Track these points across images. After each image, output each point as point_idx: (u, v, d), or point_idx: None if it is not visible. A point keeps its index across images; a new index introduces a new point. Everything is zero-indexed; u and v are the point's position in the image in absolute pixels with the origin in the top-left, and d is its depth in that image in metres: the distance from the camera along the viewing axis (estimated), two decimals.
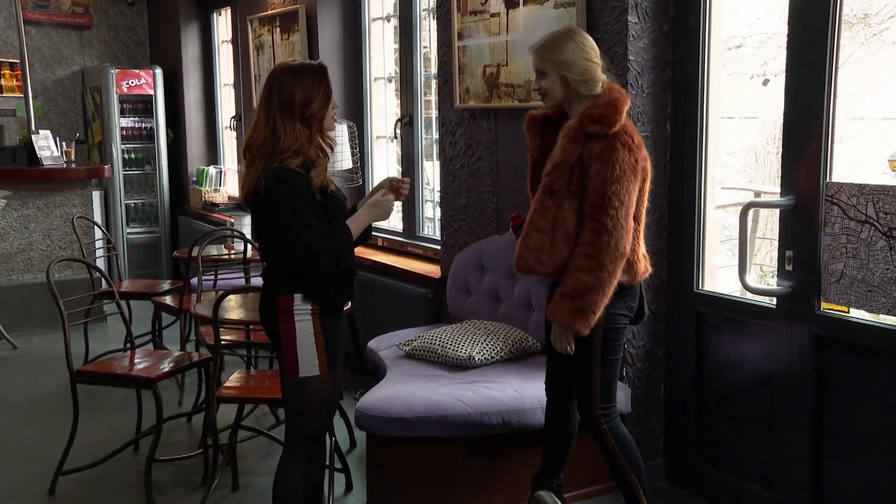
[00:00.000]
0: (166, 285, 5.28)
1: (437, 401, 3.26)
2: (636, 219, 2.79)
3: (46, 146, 6.40)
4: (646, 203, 2.83)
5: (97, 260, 6.01)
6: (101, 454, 3.73)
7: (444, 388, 3.37)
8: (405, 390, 3.37)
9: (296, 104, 2.60)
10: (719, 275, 3.72)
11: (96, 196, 7.39)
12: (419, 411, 3.22)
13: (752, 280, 3.16)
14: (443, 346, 3.69)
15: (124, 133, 7.80)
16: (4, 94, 7.99)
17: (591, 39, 2.82)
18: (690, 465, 3.55)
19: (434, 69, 4.80)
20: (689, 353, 3.51)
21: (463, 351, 3.61)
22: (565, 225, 2.74)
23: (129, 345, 3.95)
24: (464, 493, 3.30)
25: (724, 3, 3.40)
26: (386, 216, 2.89)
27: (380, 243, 5.58)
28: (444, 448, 3.27)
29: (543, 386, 3.37)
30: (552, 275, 2.81)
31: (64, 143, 6.86)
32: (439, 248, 4.72)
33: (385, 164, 5.71)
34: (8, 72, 7.99)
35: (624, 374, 3.51)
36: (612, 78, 2.88)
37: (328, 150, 2.71)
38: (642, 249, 2.89)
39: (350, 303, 3.01)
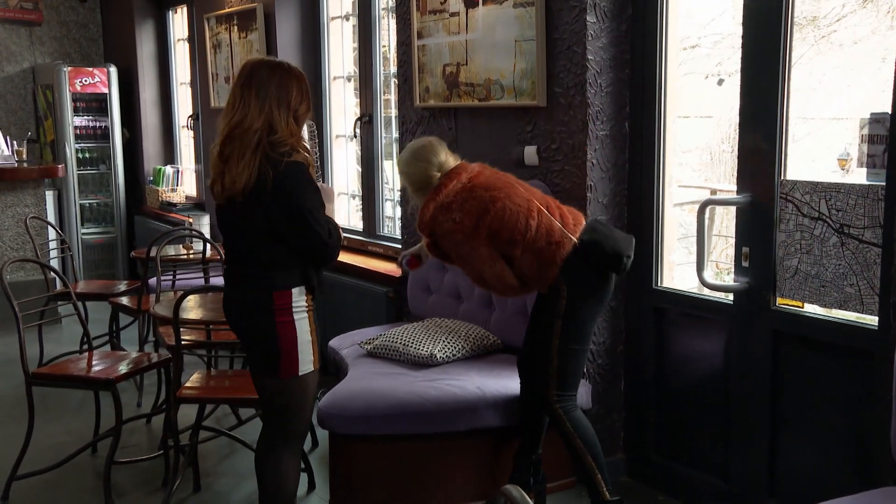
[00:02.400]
0: (123, 286, 5.21)
1: (399, 398, 3.26)
2: (511, 245, 3.00)
3: None
4: (511, 230, 2.99)
5: (52, 261, 5.90)
6: (57, 458, 3.66)
7: (407, 385, 3.37)
8: (367, 389, 3.36)
9: (292, 102, 2.62)
10: (677, 272, 3.78)
11: (50, 196, 7.25)
12: (381, 409, 3.23)
13: (709, 276, 3.21)
14: (404, 345, 3.69)
15: (78, 132, 7.67)
16: None
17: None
18: (650, 460, 3.60)
19: (393, 68, 4.81)
20: (648, 349, 3.56)
21: (424, 349, 3.62)
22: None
23: (85, 346, 3.89)
24: (428, 489, 3.31)
25: (680, 3, 3.46)
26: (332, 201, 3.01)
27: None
28: (407, 445, 3.28)
29: (505, 382, 3.40)
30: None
31: (15, 143, 6.73)
32: (399, 247, 4.72)
33: (345, 162, 5.69)
34: None
35: (585, 370, 3.54)
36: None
37: (311, 152, 2.76)
38: (555, 236, 3.00)
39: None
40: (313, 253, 2.69)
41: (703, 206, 3.20)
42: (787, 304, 3.07)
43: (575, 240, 2.99)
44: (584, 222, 3.09)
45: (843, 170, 5.08)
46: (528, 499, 1.42)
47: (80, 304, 4.18)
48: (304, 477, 3.58)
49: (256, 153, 2.57)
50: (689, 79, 5.37)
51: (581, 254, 2.99)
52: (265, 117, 2.58)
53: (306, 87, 2.71)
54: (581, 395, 3.48)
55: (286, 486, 2.79)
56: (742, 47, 3.11)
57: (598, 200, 3.49)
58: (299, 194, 2.59)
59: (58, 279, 4.16)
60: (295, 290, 2.66)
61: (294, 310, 2.66)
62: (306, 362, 2.70)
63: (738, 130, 3.15)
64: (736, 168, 3.19)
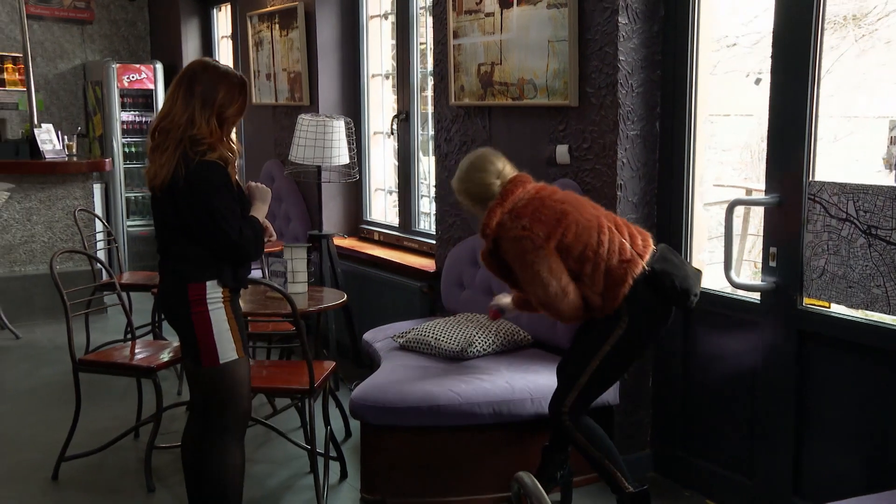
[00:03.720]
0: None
1: (429, 391, 3.35)
2: (581, 262, 2.94)
3: (48, 139, 6.48)
4: (584, 245, 2.94)
5: (98, 252, 6.10)
6: (102, 441, 3.81)
7: (437, 379, 3.45)
8: (399, 381, 3.45)
9: (216, 102, 2.73)
10: (711, 270, 3.80)
11: (97, 189, 7.47)
12: (412, 401, 3.31)
13: (736, 276, 3.24)
14: (436, 339, 3.77)
15: (125, 127, 7.87)
16: (7, 88, 8.06)
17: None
18: (677, 456, 3.64)
19: (431, 66, 4.88)
20: (676, 346, 3.59)
21: (456, 343, 3.70)
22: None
23: (129, 335, 4.04)
24: (457, 480, 3.39)
25: (718, 2, 3.47)
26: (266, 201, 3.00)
27: (376, 237, 5.67)
28: (436, 437, 3.36)
29: (533, 378, 3.47)
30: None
31: (66, 137, 6.94)
32: (434, 242, 4.80)
33: (382, 159, 5.79)
34: (10, 66, 8.07)
35: None
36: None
37: (237, 151, 2.84)
38: (626, 255, 2.95)
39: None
40: (222, 251, 2.76)
41: (732, 206, 3.22)
42: (814, 305, 3.09)
43: (644, 263, 2.93)
44: (653, 245, 3.02)
45: (886, 168, 5.05)
46: (539, 486, 1.50)
47: (124, 294, 4.33)
48: (336, 466, 3.69)
49: (177, 149, 2.70)
50: (731, 76, 5.37)
51: (650, 282, 2.92)
52: (188, 114, 2.71)
53: (239, 90, 2.79)
54: (608, 391, 3.54)
55: (233, 473, 2.86)
56: (772, 47, 3.13)
57: (628, 199, 3.54)
58: (206, 193, 2.69)
59: (104, 270, 4.31)
60: (209, 284, 2.76)
61: (208, 301, 2.75)
62: (227, 351, 2.78)
63: (767, 131, 3.18)
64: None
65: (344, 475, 3.68)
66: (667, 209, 3.58)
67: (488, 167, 3.10)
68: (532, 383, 3.42)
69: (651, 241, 3.03)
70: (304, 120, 4.92)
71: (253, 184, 2.98)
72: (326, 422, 3.63)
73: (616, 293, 2.92)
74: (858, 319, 2.96)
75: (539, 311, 3.08)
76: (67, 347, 3.62)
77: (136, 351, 3.82)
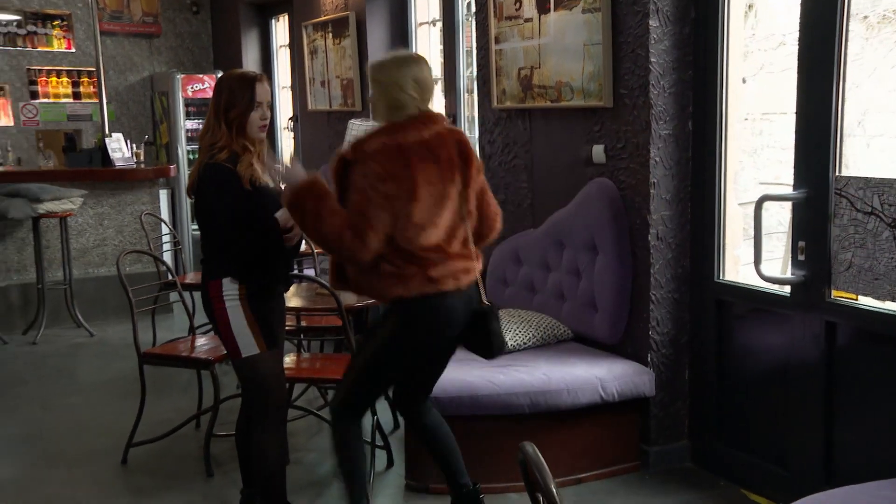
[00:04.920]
0: None
1: (469, 382, 3.51)
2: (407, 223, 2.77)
3: (118, 148, 6.83)
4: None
5: (164, 254, 6.42)
6: (166, 429, 4.07)
7: (477, 370, 3.61)
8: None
9: (222, 105, 2.96)
10: (749, 266, 3.86)
11: (164, 194, 7.83)
12: (452, 392, 3.48)
13: (766, 270, 3.32)
14: None
15: (189, 135, 8.22)
16: (83, 101, 8.51)
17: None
18: (713, 447, 3.73)
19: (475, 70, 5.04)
20: (710, 339, 3.68)
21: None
22: None
23: (193, 332, 4.29)
24: (495, 469, 3.53)
25: (769, 3, 3.53)
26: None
27: None
28: (476, 426, 3.51)
29: (570, 370, 3.60)
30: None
31: (134, 145, 7.30)
32: None
33: None
34: (86, 79, 8.51)
35: (649, 359, 3.70)
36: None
37: (251, 148, 2.98)
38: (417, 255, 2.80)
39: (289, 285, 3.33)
40: (228, 248, 2.94)
41: (760, 201, 3.31)
42: (842, 297, 3.15)
43: (440, 287, 2.81)
44: (473, 281, 2.92)
45: None
46: (540, 455, 1.64)
47: (186, 293, 4.59)
48: (382, 454, 3.87)
49: (202, 156, 2.97)
50: (788, 74, 5.38)
51: (410, 307, 2.84)
52: (207, 122, 3.01)
53: (245, 90, 2.96)
54: (644, 382, 3.66)
55: (267, 457, 3.05)
56: (798, 43, 3.21)
57: (661, 197, 3.64)
58: (206, 193, 2.93)
59: (168, 270, 4.59)
60: (224, 281, 2.93)
61: (225, 297, 2.93)
62: (247, 345, 2.95)
63: (795, 127, 3.26)
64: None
65: (390, 463, 3.86)
66: (700, 206, 3.67)
67: (423, 87, 2.87)
68: (569, 375, 3.55)
69: (470, 279, 2.90)
70: (355, 124, 5.13)
71: (287, 165, 2.92)
72: (373, 412, 3.81)
73: (381, 284, 2.83)
74: (886, 311, 3.02)
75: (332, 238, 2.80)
76: (144, 343, 3.87)
77: (197, 345, 4.06)
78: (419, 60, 2.96)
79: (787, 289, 3.33)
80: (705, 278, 3.68)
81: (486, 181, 3.08)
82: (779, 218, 5.09)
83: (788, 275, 3.33)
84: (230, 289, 2.95)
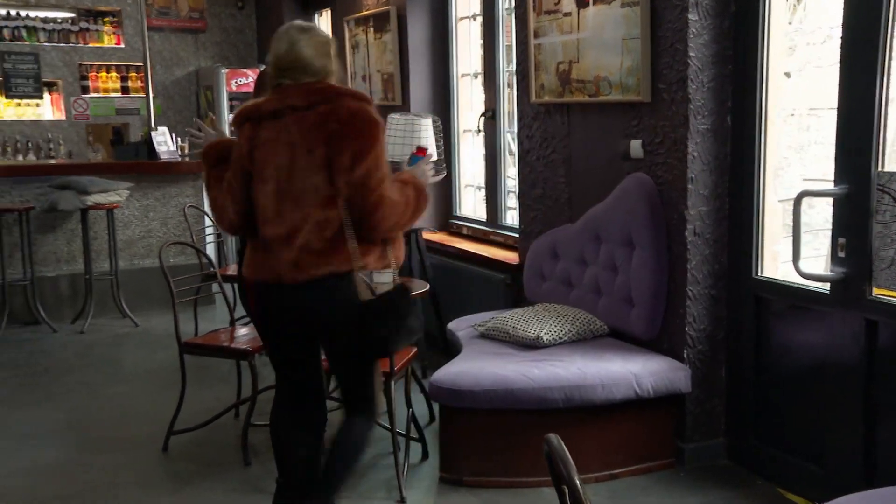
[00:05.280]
0: None
1: (503, 376, 3.52)
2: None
3: (164, 141, 6.96)
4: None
5: (206, 246, 6.54)
6: (206, 418, 4.15)
7: (512, 364, 3.62)
8: (476, 366, 3.64)
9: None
10: (789, 262, 3.82)
11: None
12: (487, 385, 3.49)
13: (806, 266, 3.28)
14: (514, 327, 3.94)
15: (233, 129, 8.31)
16: (131, 95, 8.68)
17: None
18: (750, 444, 3.69)
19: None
20: (748, 336, 3.65)
21: (532, 331, 3.85)
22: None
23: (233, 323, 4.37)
24: (529, 463, 3.55)
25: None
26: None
27: (464, 232, 5.87)
28: (510, 420, 3.53)
29: (605, 365, 3.59)
30: None
31: (179, 139, 7.43)
32: (518, 235, 4.96)
33: (471, 156, 5.98)
34: (134, 74, 8.69)
35: (685, 355, 3.68)
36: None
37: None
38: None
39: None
40: None
41: (800, 197, 3.26)
42: (883, 294, 3.10)
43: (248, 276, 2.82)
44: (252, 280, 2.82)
45: None
46: (564, 447, 1.65)
47: (227, 285, 4.67)
48: (417, 446, 3.90)
49: None
50: (834, 70, 5.28)
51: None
52: None
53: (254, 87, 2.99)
54: (680, 378, 3.64)
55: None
56: (841, 37, 3.16)
57: (699, 192, 3.61)
58: None
59: (211, 262, 4.67)
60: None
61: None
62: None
63: (836, 122, 3.21)
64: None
65: (425, 456, 3.89)
66: (738, 202, 3.64)
67: (274, 63, 2.79)
68: (604, 370, 3.54)
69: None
70: (394, 119, 5.15)
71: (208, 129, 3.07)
72: (408, 404, 3.85)
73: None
74: None
75: None
76: (185, 333, 3.95)
77: (237, 336, 4.13)
78: (280, 35, 2.79)
79: (827, 286, 3.29)
80: (743, 274, 3.64)
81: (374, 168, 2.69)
82: (826, 215, 5.01)
83: (828, 271, 3.28)
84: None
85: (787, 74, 3.85)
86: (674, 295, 3.72)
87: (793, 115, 4.41)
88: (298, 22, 2.91)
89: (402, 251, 2.88)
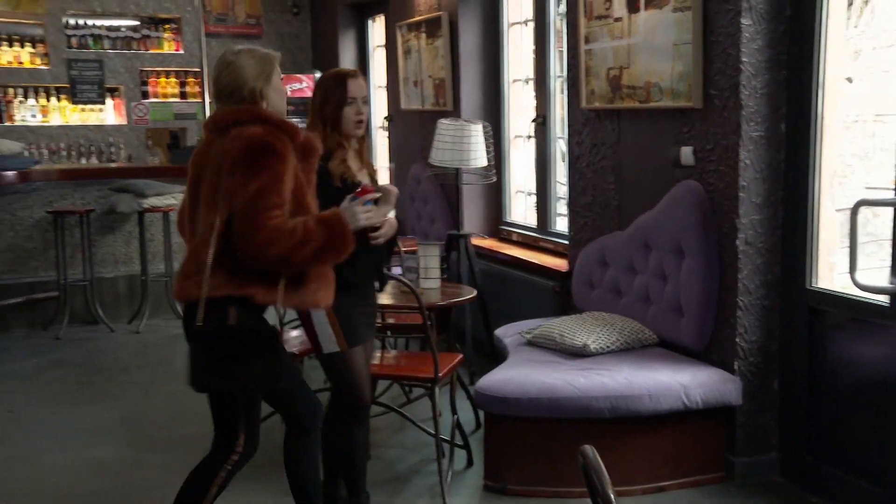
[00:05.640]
0: None
1: (549, 384, 3.49)
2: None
3: None
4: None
5: None
6: None
7: (558, 373, 3.59)
8: (521, 374, 3.62)
9: (317, 104, 3.05)
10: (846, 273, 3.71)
11: None
12: (532, 393, 3.47)
13: (863, 278, 3.18)
14: (561, 335, 3.90)
15: None
16: (188, 100, 8.85)
17: None
18: (804, 461, 3.60)
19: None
20: (801, 348, 3.56)
21: (579, 340, 3.82)
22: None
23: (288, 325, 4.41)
24: (574, 473, 3.48)
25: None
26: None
27: (514, 238, 5.84)
28: (555, 429, 3.50)
29: (653, 375, 3.53)
30: None
31: None
32: (567, 242, 4.92)
33: (522, 162, 5.95)
34: (192, 79, 8.86)
35: (735, 366, 3.61)
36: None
37: (346, 144, 3.03)
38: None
39: (379, 284, 3.28)
40: None
41: (857, 206, 3.17)
42: None
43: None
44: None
45: None
46: (600, 460, 1.63)
47: None
48: (462, 453, 3.89)
49: None
50: None
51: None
52: (308, 120, 3.19)
53: (335, 87, 3.04)
54: (730, 390, 3.56)
55: (335, 447, 3.16)
56: None
57: (751, 200, 3.54)
58: None
59: None
60: None
61: None
62: (327, 343, 3.01)
63: None
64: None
65: (470, 463, 3.88)
66: (793, 210, 3.55)
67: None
68: (651, 380, 3.49)
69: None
70: (443, 124, 5.16)
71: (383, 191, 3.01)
72: (453, 411, 3.84)
73: None
74: None
75: None
76: None
77: (287, 339, 4.17)
78: (218, 59, 2.75)
79: (886, 298, 3.19)
80: (797, 285, 3.55)
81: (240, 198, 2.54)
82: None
83: (887, 283, 3.18)
84: None
85: (850, 80, 3.75)
86: (724, 305, 3.65)
87: (856, 121, 4.29)
88: (239, 46, 2.87)
89: (323, 294, 2.71)
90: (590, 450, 1.64)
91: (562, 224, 5.42)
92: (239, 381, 2.67)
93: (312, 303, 2.73)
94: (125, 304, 6.74)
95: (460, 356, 3.88)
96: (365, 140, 3.20)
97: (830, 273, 3.59)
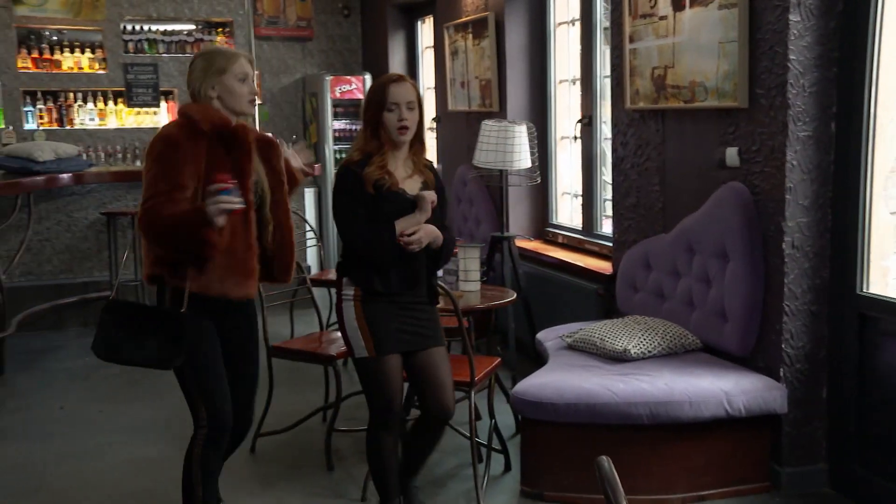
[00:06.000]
0: None
1: (587, 389, 3.43)
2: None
3: None
4: None
5: (308, 250, 6.66)
6: (294, 421, 4.22)
7: (597, 377, 3.52)
8: (559, 378, 3.56)
9: (363, 109, 3.05)
10: None
11: (311, 192, 8.14)
12: (569, 398, 3.41)
13: None
14: (601, 339, 3.84)
15: (336, 135, 8.48)
16: None
17: None
18: (854, 473, 3.47)
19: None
20: (851, 355, 3.43)
21: (619, 344, 3.74)
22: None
23: (327, 327, 4.43)
24: None
25: None
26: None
27: (559, 240, 5.78)
28: (593, 435, 3.43)
29: (695, 381, 3.44)
30: None
31: (284, 144, 7.59)
32: (611, 244, 4.84)
33: (569, 163, 5.88)
34: None
35: (781, 373, 3.50)
36: None
37: (386, 150, 3.01)
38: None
39: (428, 296, 3.15)
40: (344, 246, 3.06)
41: None
42: None
43: None
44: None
45: None
46: (615, 472, 1.57)
47: (323, 290, 4.74)
48: (499, 458, 3.85)
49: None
50: None
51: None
52: None
53: (375, 93, 3.02)
54: (775, 398, 3.46)
55: (370, 455, 3.15)
56: None
57: (797, 202, 3.43)
58: (333, 193, 3.04)
59: (300, 267, 4.75)
60: (344, 280, 3.03)
61: (343, 296, 3.03)
62: (358, 348, 3.02)
63: None
64: None
65: (508, 468, 3.83)
66: (842, 213, 3.43)
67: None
68: (692, 386, 3.41)
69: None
70: (487, 125, 5.13)
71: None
72: (491, 415, 3.80)
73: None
74: None
75: None
76: (282, 336, 4.01)
77: (325, 340, 4.19)
78: None
79: None
80: (847, 290, 3.43)
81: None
82: None
83: None
84: (347, 289, 3.02)
85: None
86: (770, 310, 3.54)
87: None
88: (206, 48, 3.19)
89: (231, 284, 2.86)
90: (605, 462, 1.59)
91: (608, 226, 5.33)
92: (125, 355, 2.87)
93: (218, 291, 2.84)
94: None
95: (498, 360, 3.84)
96: (420, 146, 3.11)
97: (883, 278, 3.45)
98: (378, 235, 2.95)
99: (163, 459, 3.97)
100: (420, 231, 2.98)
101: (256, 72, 8.36)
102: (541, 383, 3.54)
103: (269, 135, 3.18)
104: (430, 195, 3.05)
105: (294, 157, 3.28)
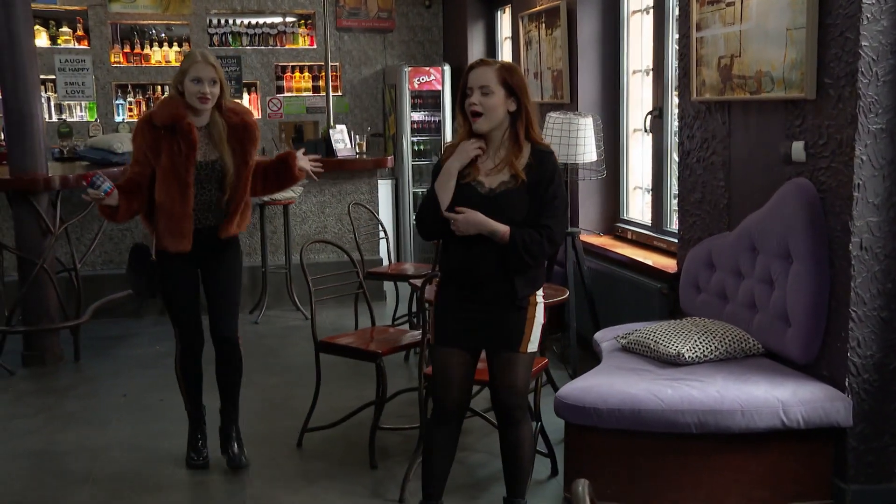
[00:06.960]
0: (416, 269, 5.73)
1: (632, 395, 3.27)
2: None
3: (341, 139, 7.16)
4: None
5: (380, 242, 6.67)
6: (342, 416, 4.19)
7: (645, 382, 3.36)
8: (605, 382, 3.41)
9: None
10: None
11: (388, 185, 8.13)
12: (613, 404, 3.26)
13: None
14: (655, 342, 3.66)
15: (414, 126, 8.45)
16: (321, 94, 9.01)
17: None
18: None
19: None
20: None
21: (673, 347, 3.56)
22: None
23: (399, 321, 4.37)
24: (657, 490, 3.28)
25: None
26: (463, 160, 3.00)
27: (629, 236, 5.58)
28: (638, 442, 3.28)
29: (749, 389, 3.24)
30: None
31: (357, 136, 7.61)
32: (677, 241, 4.63)
33: (641, 156, 5.67)
34: (324, 74, 9.01)
35: (846, 384, 3.26)
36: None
37: (467, 135, 2.99)
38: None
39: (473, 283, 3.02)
40: None
41: None
42: None
43: None
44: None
45: None
46: (587, 496, 1.46)
47: (389, 283, 4.69)
48: (546, 462, 3.73)
49: None
50: None
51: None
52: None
53: (461, 80, 3.00)
54: (838, 410, 3.22)
55: (425, 450, 3.21)
56: None
57: (867, 200, 3.17)
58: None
59: (353, 260, 4.72)
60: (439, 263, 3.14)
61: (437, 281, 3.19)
62: (431, 333, 3.12)
63: None
64: None
65: (554, 472, 3.71)
66: None
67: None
68: (745, 394, 3.21)
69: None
70: (552, 118, 4.99)
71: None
72: (537, 417, 3.68)
73: None
74: None
75: None
76: (346, 328, 3.99)
77: (375, 336, 4.14)
78: None
79: None
80: None
81: None
82: None
83: None
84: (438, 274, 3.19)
85: None
86: (835, 315, 3.30)
87: None
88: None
89: (169, 241, 3.63)
90: (580, 486, 1.48)
91: (676, 222, 5.11)
92: (130, 285, 3.93)
93: (159, 245, 3.65)
94: (246, 294, 6.91)
95: (545, 361, 3.72)
96: (515, 138, 2.96)
97: None
98: (429, 196, 2.99)
99: (215, 450, 3.99)
100: (463, 215, 2.91)
101: (336, 63, 8.55)
102: (585, 387, 3.39)
103: (248, 122, 3.81)
104: (457, 217, 2.91)
105: (304, 160, 3.94)
